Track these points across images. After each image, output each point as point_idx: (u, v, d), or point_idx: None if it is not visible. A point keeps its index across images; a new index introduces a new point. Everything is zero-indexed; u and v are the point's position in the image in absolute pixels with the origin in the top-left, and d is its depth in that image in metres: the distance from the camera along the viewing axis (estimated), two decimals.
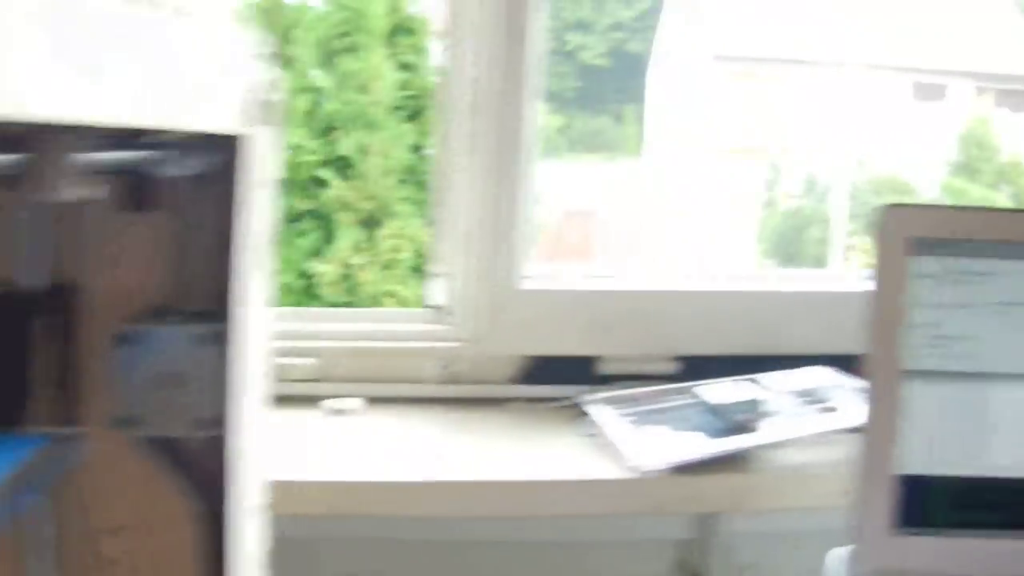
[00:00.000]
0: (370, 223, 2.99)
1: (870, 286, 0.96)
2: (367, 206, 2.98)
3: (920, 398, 0.96)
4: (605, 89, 4.79)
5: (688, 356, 1.41)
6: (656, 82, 4.96)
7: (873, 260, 0.96)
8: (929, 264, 0.96)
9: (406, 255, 2.96)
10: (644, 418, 1.27)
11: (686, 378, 1.35)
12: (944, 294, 0.97)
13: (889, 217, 0.97)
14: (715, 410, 1.24)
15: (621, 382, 1.38)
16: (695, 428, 1.24)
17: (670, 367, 1.40)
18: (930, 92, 5.48)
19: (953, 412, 0.97)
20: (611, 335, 1.41)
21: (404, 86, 2.98)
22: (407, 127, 2.97)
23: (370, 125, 2.97)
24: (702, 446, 1.20)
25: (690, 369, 1.39)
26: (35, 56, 0.57)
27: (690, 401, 1.28)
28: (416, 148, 2.97)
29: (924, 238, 0.96)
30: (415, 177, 2.97)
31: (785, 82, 4.97)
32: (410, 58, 3.04)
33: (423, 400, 1.41)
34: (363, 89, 2.98)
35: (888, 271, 0.96)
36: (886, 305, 0.96)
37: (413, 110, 2.99)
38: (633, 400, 1.31)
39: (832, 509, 1.03)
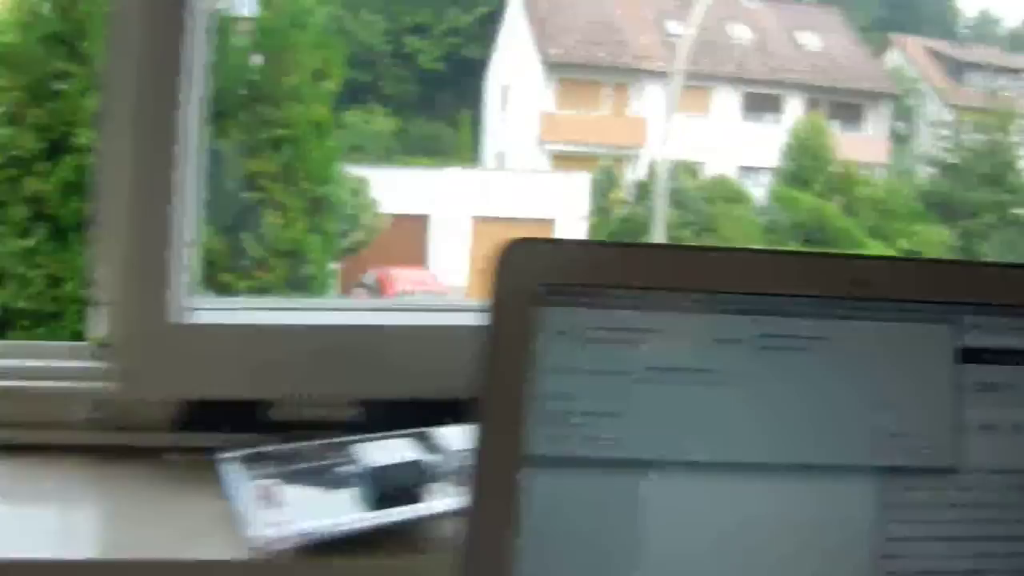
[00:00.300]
0: None
1: (482, 345, 0.69)
2: None
3: (544, 493, 0.69)
4: (442, 94, 4.53)
5: (374, 401, 1.13)
6: (492, 88, 4.72)
7: (487, 311, 0.69)
8: (560, 317, 0.70)
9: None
10: (293, 480, 1.00)
11: (370, 427, 1.08)
12: (580, 357, 0.70)
13: (510, 256, 0.70)
14: (372, 474, 0.97)
15: (295, 431, 1.10)
16: (349, 494, 0.97)
17: (350, 413, 1.13)
18: (763, 103, 5.29)
19: (589, 511, 0.70)
20: (285, 376, 1.13)
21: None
22: (207, 129, 2.71)
23: None
24: (345, 519, 0.93)
25: (376, 416, 1.12)
26: None
27: (348, 460, 1.01)
28: (214, 153, 2.68)
29: (555, 284, 0.70)
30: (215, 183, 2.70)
31: (620, 90, 4.75)
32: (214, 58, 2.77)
33: (70, 448, 1.12)
34: None
35: (505, 325, 0.69)
36: (501, 371, 0.69)
37: (217, 111, 2.72)
38: (288, 457, 1.03)
39: None
